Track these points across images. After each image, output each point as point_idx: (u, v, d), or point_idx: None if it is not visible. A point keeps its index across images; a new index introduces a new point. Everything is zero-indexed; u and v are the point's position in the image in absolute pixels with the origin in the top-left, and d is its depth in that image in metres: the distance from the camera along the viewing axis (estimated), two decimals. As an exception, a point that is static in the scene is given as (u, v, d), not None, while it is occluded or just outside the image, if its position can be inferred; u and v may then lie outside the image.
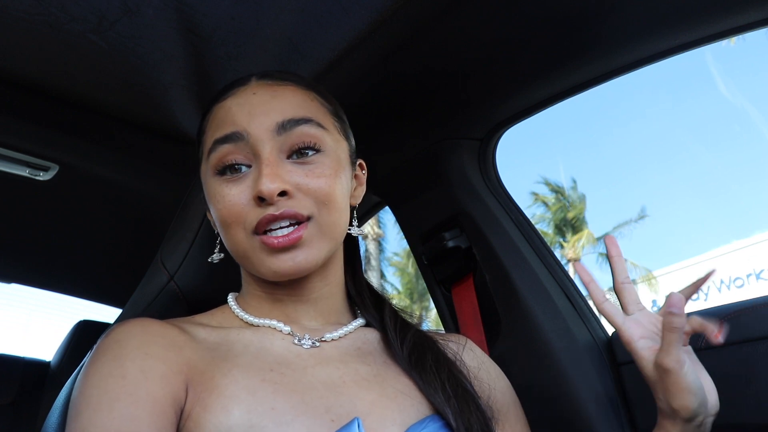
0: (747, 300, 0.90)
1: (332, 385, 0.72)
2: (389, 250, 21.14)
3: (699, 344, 0.86)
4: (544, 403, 1.01)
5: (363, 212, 1.50)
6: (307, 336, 0.77)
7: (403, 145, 1.24)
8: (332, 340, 0.79)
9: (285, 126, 0.76)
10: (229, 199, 0.75)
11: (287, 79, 0.82)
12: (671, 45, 0.94)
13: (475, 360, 0.85)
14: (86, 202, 1.48)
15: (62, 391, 0.92)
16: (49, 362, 1.83)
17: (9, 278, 1.90)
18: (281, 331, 0.77)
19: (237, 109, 0.78)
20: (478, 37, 0.98)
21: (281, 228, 0.74)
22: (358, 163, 0.88)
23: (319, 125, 0.78)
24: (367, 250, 20.43)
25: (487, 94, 1.10)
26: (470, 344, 0.89)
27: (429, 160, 1.21)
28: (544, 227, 21.98)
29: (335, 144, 0.80)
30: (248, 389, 0.67)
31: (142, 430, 0.62)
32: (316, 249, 0.76)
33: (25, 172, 1.28)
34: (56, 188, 1.37)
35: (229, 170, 0.76)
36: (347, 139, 0.85)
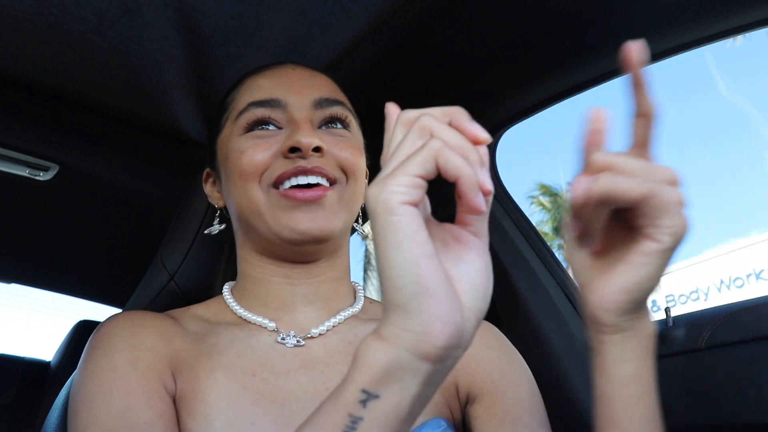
0: (747, 300, 0.90)
1: (315, 393, 0.69)
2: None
3: (699, 344, 0.86)
4: (543, 403, 1.01)
5: (363, 212, 1.50)
6: (292, 333, 0.75)
7: (403, 145, 1.23)
8: (320, 335, 0.75)
9: (321, 103, 0.78)
10: (253, 150, 0.75)
11: (318, 69, 0.85)
12: (671, 45, 0.94)
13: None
14: (86, 202, 1.48)
15: (62, 391, 0.92)
16: (49, 362, 1.83)
17: (9, 278, 1.90)
18: (266, 328, 0.75)
19: (277, 80, 0.80)
20: (478, 38, 0.98)
21: (309, 184, 0.73)
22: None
23: (349, 110, 0.82)
24: (367, 250, 20.44)
25: (487, 94, 1.10)
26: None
27: (429, 160, 1.20)
28: (544, 228, 21.99)
29: (357, 130, 0.83)
30: (229, 398, 0.67)
31: (140, 417, 0.62)
32: (336, 216, 0.75)
33: (25, 172, 1.28)
34: (56, 188, 1.37)
35: (259, 126, 0.76)
36: (362, 135, 0.87)
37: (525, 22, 0.94)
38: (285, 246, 0.75)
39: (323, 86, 0.81)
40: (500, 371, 0.77)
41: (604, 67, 1.01)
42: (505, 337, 0.84)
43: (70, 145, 1.25)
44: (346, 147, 0.77)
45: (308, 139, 0.72)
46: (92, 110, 1.19)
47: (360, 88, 1.09)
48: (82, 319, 1.83)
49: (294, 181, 0.73)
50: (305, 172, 0.72)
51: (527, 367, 0.81)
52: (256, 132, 0.76)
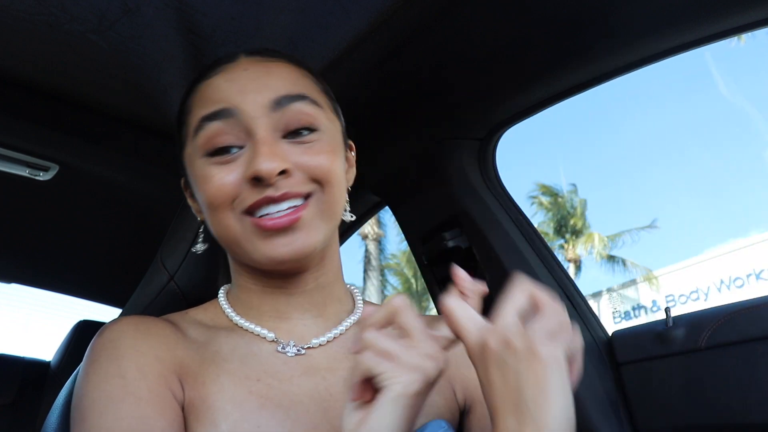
0: (747, 300, 0.90)
1: (319, 399, 0.69)
2: (389, 251, 21.14)
3: (699, 344, 0.86)
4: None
5: (363, 212, 1.50)
6: (292, 343, 0.74)
7: (404, 145, 1.24)
8: (320, 345, 0.75)
9: (280, 102, 0.71)
10: (218, 179, 0.70)
11: (277, 56, 0.77)
12: (671, 45, 0.94)
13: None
14: (86, 202, 1.48)
15: (62, 391, 0.92)
16: (49, 362, 1.83)
17: (9, 278, 1.90)
18: (265, 338, 0.74)
19: (227, 85, 0.73)
20: (478, 38, 0.98)
21: (279, 211, 0.69)
22: (348, 144, 0.84)
23: (315, 102, 0.74)
24: (367, 250, 20.42)
25: (487, 94, 1.10)
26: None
27: (429, 160, 1.21)
28: (544, 227, 22.00)
29: (330, 123, 0.76)
30: (234, 402, 0.66)
31: (153, 427, 0.62)
32: (315, 231, 0.71)
33: (25, 172, 1.28)
34: (56, 188, 1.37)
35: (219, 152, 0.71)
36: (339, 118, 0.81)
37: (525, 22, 0.94)
38: (266, 269, 0.74)
39: (281, 81, 0.73)
40: None
41: (604, 67, 1.01)
42: None
43: (70, 145, 1.25)
44: (317, 153, 0.72)
45: (269, 165, 0.67)
46: (92, 110, 1.19)
47: (360, 88, 1.09)
48: (82, 319, 1.83)
49: (265, 210, 0.69)
50: (274, 200, 0.69)
51: None
52: (218, 158, 0.71)
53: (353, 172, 0.85)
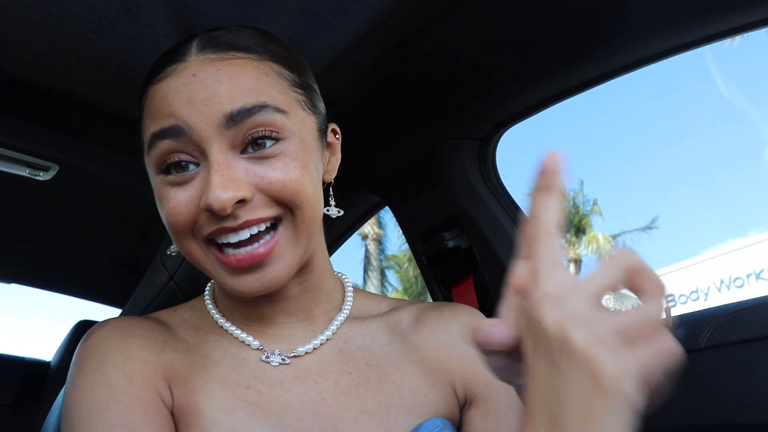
0: (747, 300, 0.90)
1: (311, 404, 0.67)
2: (389, 251, 21.15)
3: (699, 344, 0.86)
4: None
5: (363, 212, 1.50)
6: (277, 352, 0.71)
7: (404, 145, 1.24)
8: (306, 353, 0.71)
9: (234, 118, 0.62)
10: (174, 205, 0.64)
11: (234, 47, 0.67)
12: (671, 45, 0.94)
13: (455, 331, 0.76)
14: (86, 202, 1.48)
15: (62, 391, 0.92)
16: (49, 362, 1.83)
17: (9, 278, 1.90)
18: (249, 345, 0.71)
19: (174, 96, 0.64)
20: (478, 38, 0.98)
21: (243, 242, 0.63)
22: (330, 129, 0.75)
23: (277, 109, 0.64)
24: (367, 250, 20.43)
25: (487, 94, 1.10)
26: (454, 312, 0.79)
27: (429, 160, 1.21)
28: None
29: (299, 125, 0.67)
30: (225, 409, 0.65)
31: None
32: (288, 260, 0.66)
33: (25, 172, 1.28)
34: (56, 188, 1.37)
35: (175, 168, 0.65)
36: (314, 110, 0.71)
37: (525, 23, 0.94)
38: None
39: (235, 88, 0.63)
40: None
41: (604, 67, 1.01)
42: None
43: (70, 145, 1.25)
44: (281, 169, 0.63)
45: (222, 196, 0.60)
46: (92, 110, 1.19)
47: (360, 87, 1.09)
48: (82, 319, 1.83)
49: (225, 239, 0.64)
50: (233, 230, 0.63)
51: None
52: (172, 176, 0.65)
53: (337, 159, 0.76)
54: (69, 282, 1.95)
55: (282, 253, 0.66)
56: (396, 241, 21.26)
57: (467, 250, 1.18)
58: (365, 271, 20.24)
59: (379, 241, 20.56)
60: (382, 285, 20.64)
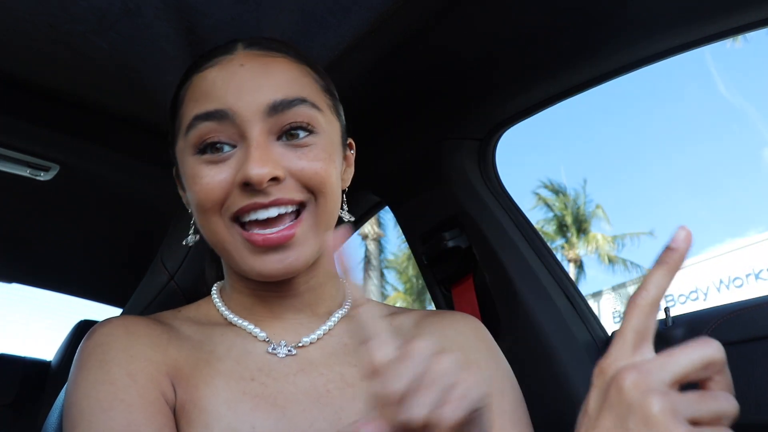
0: (747, 300, 0.90)
1: (316, 395, 0.68)
2: (389, 251, 21.15)
3: (699, 344, 0.86)
4: (543, 403, 1.01)
5: (363, 212, 1.50)
6: (283, 343, 0.72)
7: (403, 145, 1.24)
8: (311, 343, 0.73)
9: (277, 107, 0.68)
10: (208, 181, 0.68)
11: (278, 49, 0.74)
12: (671, 45, 0.94)
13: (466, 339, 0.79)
14: (86, 202, 1.48)
15: (62, 391, 0.92)
16: (50, 362, 1.83)
17: (9, 278, 1.90)
18: (257, 337, 0.73)
19: (222, 83, 0.70)
20: (478, 37, 0.98)
21: (269, 222, 0.67)
22: (348, 142, 0.81)
23: (314, 105, 0.71)
24: (367, 250, 20.43)
25: (487, 94, 1.10)
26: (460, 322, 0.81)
27: (429, 160, 1.21)
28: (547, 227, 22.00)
29: (328, 125, 0.73)
30: (228, 403, 0.65)
31: None
32: (308, 246, 0.69)
33: (25, 172, 1.28)
34: (56, 188, 1.37)
35: (210, 149, 0.69)
36: (339, 118, 0.78)
37: (525, 23, 0.94)
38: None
39: (279, 82, 0.70)
40: (488, 377, 0.76)
41: (604, 67, 1.01)
42: (491, 337, 0.83)
43: (71, 145, 1.25)
44: (312, 159, 0.69)
45: (259, 171, 0.64)
46: (92, 110, 1.19)
47: (360, 88, 1.09)
48: (82, 319, 1.83)
49: (253, 216, 0.67)
50: (264, 206, 0.67)
51: (510, 369, 0.81)
52: (208, 156, 0.69)
53: (351, 171, 0.83)
54: (69, 282, 1.95)
55: (303, 240, 0.69)
56: (396, 241, 21.27)
57: (467, 250, 1.18)
58: (365, 270, 20.24)
59: (379, 241, 20.57)
60: (382, 286, 20.65)
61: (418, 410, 0.44)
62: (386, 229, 20.29)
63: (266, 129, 0.68)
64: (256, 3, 0.90)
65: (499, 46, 0.99)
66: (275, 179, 0.66)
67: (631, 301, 0.46)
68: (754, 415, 0.83)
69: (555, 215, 22.07)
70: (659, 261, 0.47)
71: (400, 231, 1.35)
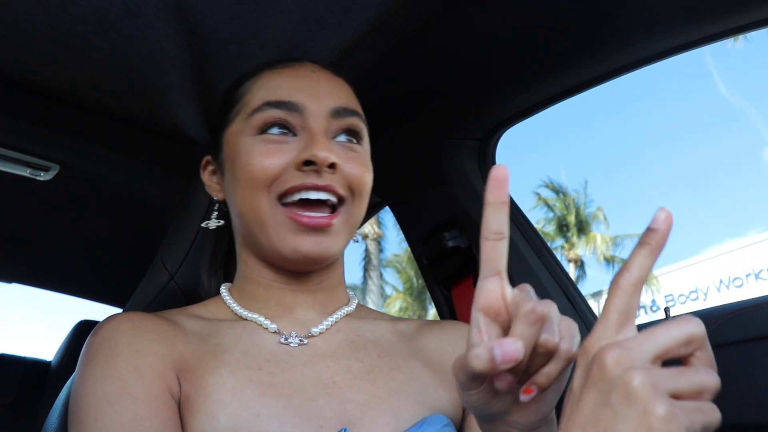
0: (747, 300, 0.90)
1: (322, 385, 0.70)
2: (389, 251, 21.16)
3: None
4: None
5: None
6: (294, 333, 0.75)
7: (404, 145, 1.24)
8: (320, 333, 0.76)
9: (340, 112, 0.77)
10: (265, 158, 0.73)
11: (336, 71, 0.84)
12: (671, 45, 0.94)
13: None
14: (86, 202, 1.48)
15: (62, 391, 0.92)
16: (50, 362, 1.83)
17: (9, 278, 1.90)
18: (267, 328, 0.75)
19: (297, 81, 0.78)
20: (478, 38, 0.98)
21: (312, 206, 0.72)
22: None
23: (362, 119, 0.80)
24: (367, 250, 20.44)
25: (487, 94, 1.10)
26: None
27: (429, 160, 1.21)
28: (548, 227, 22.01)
29: (366, 139, 0.82)
30: (234, 392, 0.66)
31: (147, 427, 0.61)
32: (340, 240, 0.75)
33: (25, 172, 1.28)
34: (57, 188, 1.37)
35: (276, 127, 0.75)
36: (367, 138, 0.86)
37: (525, 23, 0.94)
38: (284, 261, 0.76)
39: (342, 94, 0.80)
40: None
41: (604, 67, 1.01)
42: None
43: (71, 145, 1.25)
44: (357, 164, 0.76)
45: (324, 153, 0.71)
46: (92, 110, 1.19)
47: (360, 88, 1.09)
48: (82, 319, 1.83)
49: (303, 195, 0.72)
50: (316, 188, 0.72)
51: None
52: (269, 135, 0.74)
53: None
54: (69, 282, 1.95)
55: (337, 231, 0.75)
56: (396, 241, 21.28)
57: (467, 250, 1.18)
58: (365, 270, 20.25)
59: (379, 241, 20.57)
60: (382, 286, 20.65)
61: (551, 336, 0.50)
62: (386, 229, 20.31)
63: (327, 126, 0.76)
64: (256, 3, 0.90)
65: (499, 46, 0.99)
66: (333, 166, 0.72)
67: (614, 282, 0.46)
68: (754, 415, 0.83)
69: (555, 215, 22.10)
70: (641, 242, 0.47)
71: (400, 231, 1.35)
